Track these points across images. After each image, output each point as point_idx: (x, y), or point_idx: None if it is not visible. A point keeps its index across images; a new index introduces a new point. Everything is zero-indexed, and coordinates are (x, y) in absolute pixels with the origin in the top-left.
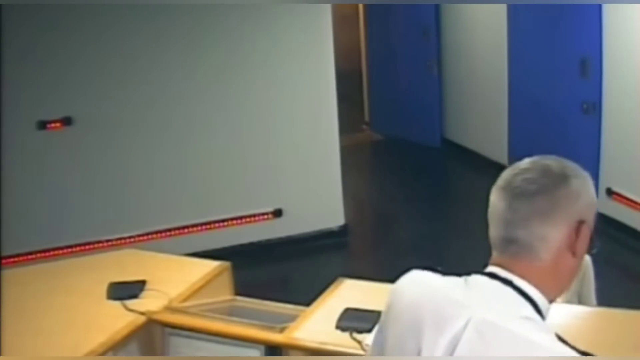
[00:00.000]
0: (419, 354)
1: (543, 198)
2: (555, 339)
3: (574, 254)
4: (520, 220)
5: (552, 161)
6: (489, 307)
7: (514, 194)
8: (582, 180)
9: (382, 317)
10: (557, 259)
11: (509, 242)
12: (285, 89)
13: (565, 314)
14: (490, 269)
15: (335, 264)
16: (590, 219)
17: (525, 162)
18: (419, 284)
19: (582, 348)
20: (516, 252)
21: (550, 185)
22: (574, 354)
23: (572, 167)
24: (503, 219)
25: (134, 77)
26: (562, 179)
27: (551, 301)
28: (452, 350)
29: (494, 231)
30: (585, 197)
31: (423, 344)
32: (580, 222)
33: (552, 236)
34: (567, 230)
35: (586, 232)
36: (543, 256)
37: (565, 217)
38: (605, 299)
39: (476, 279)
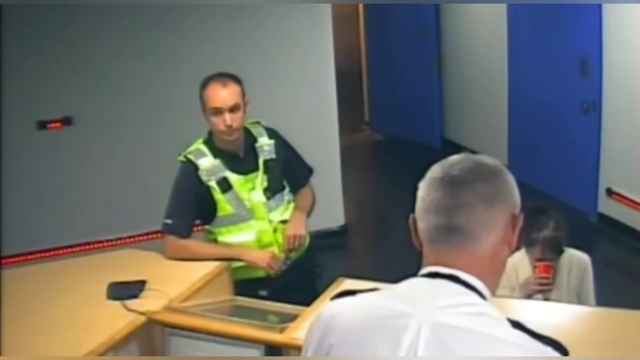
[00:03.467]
0: None
1: (483, 185)
2: (510, 325)
3: (509, 246)
4: (463, 206)
5: (482, 156)
6: (437, 308)
7: (454, 182)
8: (512, 176)
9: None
10: (494, 250)
11: (451, 231)
12: (285, 89)
13: (565, 314)
14: (429, 269)
15: (335, 264)
16: (519, 216)
17: (455, 156)
18: (352, 309)
19: (538, 331)
20: (458, 242)
21: (489, 175)
22: (536, 342)
23: (499, 163)
24: (443, 206)
25: (135, 77)
26: (498, 170)
27: (492, 294)
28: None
29: (432, 221)
30: (516, 192)
31: None
32: (515, 217)
33: (493, 223)
34: (505, 221)
35: (519, 227)
36: (484, 245)
37: (504, 206)
38: (605, 299)
39: (415, 282)
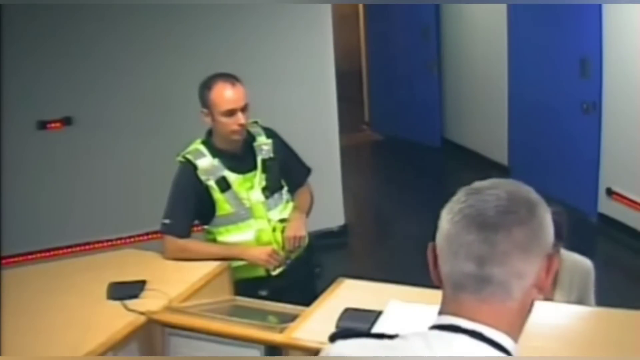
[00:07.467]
0: None
1: (521, 230)
2: None
3: (540, 290)
4: (499, 256)
5: (514, 186)
6: None
7: (488, 225)
8: (545, 207)
9: None
10: (525, 297)
11: (480, 281)
12: (285, 89)
13: (565, 314)
14: (450, 320)
15: (335, 264)
16: (554, 256)
17: (486, 185)
18: None
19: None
20: (487, 293)
21: (526, 215)
22: None
23: (532, 190)
24: (475, 254)
25: (135, 77)
26: (532, 206)
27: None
28: None
29: (460, 267)
30: (551, 228)
31: None
32: (550, 256)
33: (527, 271)
34: (540, 265)
35: (553, 270)
36: (516, 295)
37: (540, 249)
38: (605, 299)
39: (433, 337)
